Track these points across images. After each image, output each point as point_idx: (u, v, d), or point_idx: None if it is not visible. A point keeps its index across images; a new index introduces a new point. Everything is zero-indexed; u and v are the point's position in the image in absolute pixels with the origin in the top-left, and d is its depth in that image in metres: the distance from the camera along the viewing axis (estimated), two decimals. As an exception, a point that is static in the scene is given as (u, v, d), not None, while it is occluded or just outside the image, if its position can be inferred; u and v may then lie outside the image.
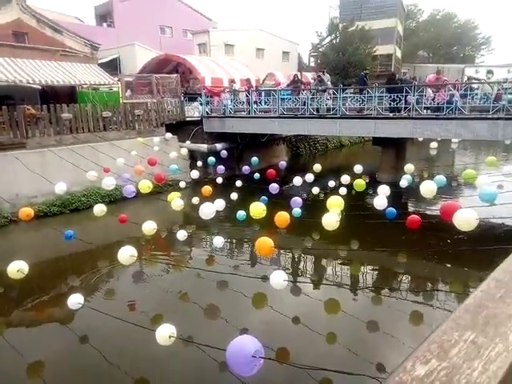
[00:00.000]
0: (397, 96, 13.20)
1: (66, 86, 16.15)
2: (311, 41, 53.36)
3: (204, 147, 16.43)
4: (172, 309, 7.14)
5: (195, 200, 10.11)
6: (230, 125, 16.67)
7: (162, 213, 11.27)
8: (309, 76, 25.43)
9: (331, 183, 11.42)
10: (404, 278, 8.87)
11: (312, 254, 9.80)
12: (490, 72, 15.10)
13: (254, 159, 12.76)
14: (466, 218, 5.25)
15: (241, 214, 8.78)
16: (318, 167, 11.63)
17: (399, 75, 24.71)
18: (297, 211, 8.47)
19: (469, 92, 12.72)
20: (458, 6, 71.35)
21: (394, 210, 7.73)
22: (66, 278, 8.75)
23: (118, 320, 5.79)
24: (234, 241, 10.93)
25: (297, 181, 10.93)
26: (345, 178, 10.39)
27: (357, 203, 9.36)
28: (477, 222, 5.20)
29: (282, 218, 6.83)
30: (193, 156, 16.40)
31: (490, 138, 12.58)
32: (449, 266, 8.81)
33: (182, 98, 18.62)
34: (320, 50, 34.13)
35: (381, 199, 7.62)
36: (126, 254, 6.07)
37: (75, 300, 6.08)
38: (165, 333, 4.69)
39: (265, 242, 5.80)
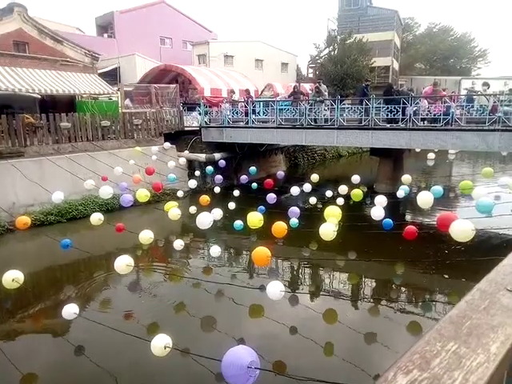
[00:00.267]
0: (394, 107, 13.33)
1: (65, 96, 16.23)
2: (310, 52, 53.90)
3: (202, 157, 16.48)
4: (168, 319, 7.08)
5: (193, 209, 10.11)
6: (229, 135, 16.75)
7: (160, 222, 11.24)
8: (307, 87, 25.64)
9: (329, 193, 11.44)
10: (401, 288, 8.84)
11: (309, 264, 9.77)
12: (485, 84, 15.26)
13: (252, 169, 12.80)
14: (462, 229, 5.25)
15: (238, 224, 8.77)
16: (315, 177, 11.66)
17: (397, 87, 24.95)
18: (294, 221, 8.47)
19: (465, 104, 12.86)
20: (454, 20, 72.48)
21: (390, 220, 7.74)
22: (61, 287, 8.68)
23: (113, 330, 5.74)
24: (232, 250, 10.89)
25: (294, 191, 10.94)
26: (342, 188, 10.42)
27: (354, 213, 9.36)
28: (473, 233, 5.20)
29: (279, 228, 6.83)
30: (191, 165, 16.44)
31: (486, 150, 12.67)
32: (446, 276, 8.78)
33: (181, 108, 18.73)
34: (318, 61, 34.47)
35: (378, 210, 7.63)
36: (123, 263, 6.05)
37: (70, 310, 6.02)
38: (160, 343, 4.64)
39: (261, 252, 5.79)
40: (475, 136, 12.14)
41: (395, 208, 11.85)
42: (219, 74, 25.22)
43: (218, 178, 12.32)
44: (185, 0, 67.10)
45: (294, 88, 17.46)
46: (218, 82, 23.72)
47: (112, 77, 23.97)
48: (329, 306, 7.48)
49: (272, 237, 7.11)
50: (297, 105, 15.71)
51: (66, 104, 16.51)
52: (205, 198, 9.65)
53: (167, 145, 16.01)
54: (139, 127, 15.93)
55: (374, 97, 14.22)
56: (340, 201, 9.87)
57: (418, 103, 13.43)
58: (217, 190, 12.21)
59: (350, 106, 15.60)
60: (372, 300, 7.96)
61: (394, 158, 15.28)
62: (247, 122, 16.33)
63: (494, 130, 11.78)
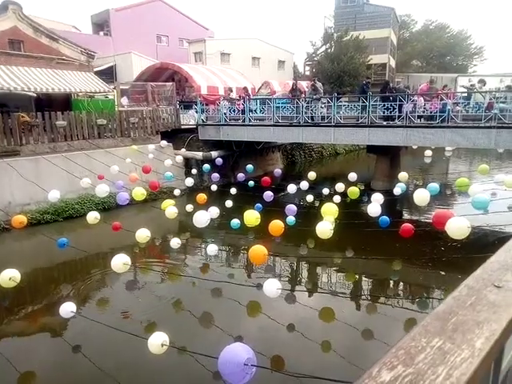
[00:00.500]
0: (391, 105, 13.35)
1: (61, 94, 16.15)
2: (306, 50, 53.89)
3: (199, 155, 16.45)
4: (166, 317, 7.09)
5: (189, 208, 10.10)
6: (226, 133, 16.73)
7: (156, 220, 11.23)
8: (304, 84, 25.64)
9: (325, 191, 11.46)
10: (398, 285, 8.88)
11: (306, 262, 9.79)
12: (481, 81, 15.28)
13: (249, 167, 12.80)
14: (458, 227, 5.29)
15: (235, 222, 8.78)
16: (312, 175, 11.68)
17: (393, 84, 24.99)
18: (291, 219, 8.48)
19: (461, 101, 12.90)
20: (450, 17, 72.54)
21: (387, 218, 7.76)
22: (58, 286, 8.67)
23: (111, 328, 5.74)
24: (229, 249, 10.90)
25: (291, 188, 10.95)
26: (339, 186, 10.44)
27: (351, 211, 9.38)
28: (469, 230, 5.23)
29: (275, 226, 6.83)
30: (188, 164, 16.40)
31: (482, 147, 12.71)
32: (443, 273, 8.83)
33: (178, 106, 18.68)
34: (315, 59, 34.47)
35: (374, 207, 7.65)
36: (120, 261, 6.05)
37: (67, 308, 6.02)
38: (157, 341, 4.65)
39: (258, 250, 5.80)
40: (471, 133, 12.18)
41: (392, 205, 11.88)
42: (216, 71, 25.16)
43: (215, 176, 12.32)
44: (181, -3, 66.84)
45: (293, 85, 17.45)
46: (215, 80, 23.67)
47: (108, 75, 23.90)
48: (326, 304, 7.51)
49: (269, 235, 7.12)
50: (296, 102, 15.73)
51: (62, 102, 16.44)
52: (202, 196, 9.65)
53: (164, 143, 15.98)
54: (136, 125, 15.88)
55: (370, 94, 14.24)
56: (337, 198, 9.88)
57: (414, 100, 13.45)
58: (214, 188, 12.21)
59: (346, 103, 15.61)
60: (369, 297, 8.00)
61: (390, 156, 15.31)
62: (244, 120, 16.31)
63: (490, 127, 11.82)
